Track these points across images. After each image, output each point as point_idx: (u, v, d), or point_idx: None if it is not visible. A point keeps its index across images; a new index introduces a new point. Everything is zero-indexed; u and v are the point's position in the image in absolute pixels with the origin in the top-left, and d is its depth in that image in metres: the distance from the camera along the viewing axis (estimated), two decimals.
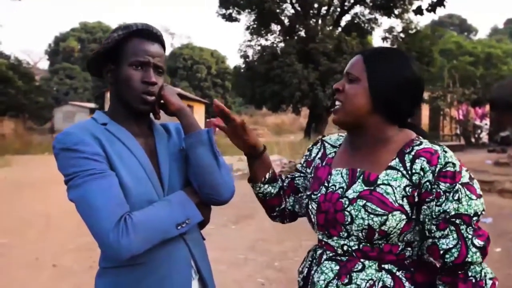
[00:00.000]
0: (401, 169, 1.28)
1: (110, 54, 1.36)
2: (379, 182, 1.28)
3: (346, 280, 1.28)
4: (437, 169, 1.24)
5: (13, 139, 22.09)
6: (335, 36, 23.73)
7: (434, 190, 1.23)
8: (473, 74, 27.03)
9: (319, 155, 1.54)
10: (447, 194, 1.22)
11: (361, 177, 1.32)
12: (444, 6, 8.61)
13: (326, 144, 1.54)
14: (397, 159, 1.30)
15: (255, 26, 26.06)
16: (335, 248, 1.33)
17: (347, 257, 1.31)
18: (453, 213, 1.21)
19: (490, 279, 1.22)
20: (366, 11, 25.88)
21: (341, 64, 20.81)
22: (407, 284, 1.26)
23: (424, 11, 8.94)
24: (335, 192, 1.34)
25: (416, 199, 1.25)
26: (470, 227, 1.21)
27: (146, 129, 1.47)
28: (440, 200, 1.22)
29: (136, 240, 1.19)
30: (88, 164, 1.23)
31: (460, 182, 1.23)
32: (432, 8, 8.72)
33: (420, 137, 1.36)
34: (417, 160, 1.26)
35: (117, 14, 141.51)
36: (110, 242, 1.17)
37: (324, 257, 1.36)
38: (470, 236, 1.21)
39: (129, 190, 1.27)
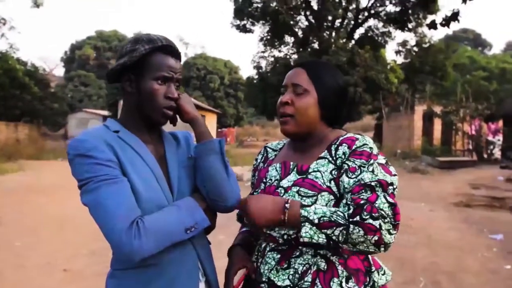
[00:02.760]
0: (328, 156, 1.44)
1: (132, 64, 1.40)
2: (310, 170, 1.42)
3: (285, 265, 1.42)
4: (353, 148, 1.38)
5: (27, 144, 22.33)
6: (349, 49, 23.75)
7: (347, 166, 1.36)
8: (486, 89, 26.79)
9: (262, 160, 1.69)
10: (362, 168, 1.34)
11: (295, 169, 1.46)
12: (458, 21, 8.58)
13: (268, 149, 1.70)
14: (326, 151, 1.46)
15: (268, 37, 26.23)
16: (277, 238, 1.43)
17: (287, 246, 1.43)
18: (367, 180, 1.31)
19: (385, 241, 1.26)
20: (380, 24, 25.94)
21: (354, 77, 20.87)
22: (340, 268, 1.38)
23: (438, 26, 8.93)
24: (271, 185, 1.49)
25: None
26: (385, 193, 1.30)
27: (157, 137, 1.52)
28: (356, 173, 1.34)
29: (148, 243, 1.24)
30: (101, 170, 1.27)
31: (376, 161, 1.35)
32: (446, 22, 8.69)
33: (348, 133, 1.50)
34: (340, 147, 1.42)
35: (133, 23, 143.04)
36: (123, 244, 1.22)
37: (268, 249, 1.49)
38: (383, 194, 1.29)
39: (140, 195, 1.32)
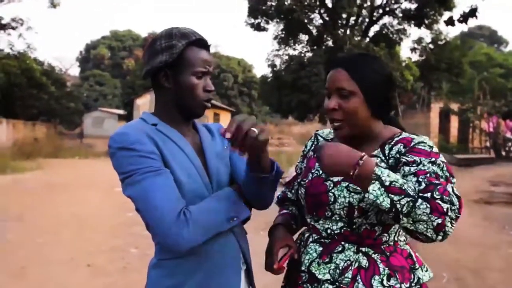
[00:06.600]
0: (380, 155, 1.42)
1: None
2: None
3: (327, 260, 1.42)
4: (410, 145, 1.36)
5: (45, 143, 22.59)
6: (363, 46, 23.56)
7: (406, 160, 1.32)
8: (503, 86, 26.49)
9: (312, 148, 1.67)
10: (423, 161, 1.28)
11: None
12: (476, 17, 8.50)
13: (319, 138, 1.68)
14: (378, 149, 1.44)
15: (283, 35, 26.11)
16: (320, 231, 1.47)
17: (329, 240, 1.45)
18: (431, 171, 1.25)
19: (446, 229, 1.17)
20: (395, 22, 25.67)
21: None
22: (381, 265, 1.37)
23: (456, 22, 8.84)
24: (320, 176, 1.48)
25: None
26: (452, 185, 1.23)
27: (192, 128, 1.55)
28: (417, 165, 1.28)
29: (196, 233, 1.26)
30: (145, 162, 1.29)
31: (439, 159, 1.30)
32: (464, 19, 8.61)
33: (403, 132, 1.48)
34: (394, 147, 1.40)
35: (146, 23, 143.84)
36: (172, 234, 1.24)
37: (310, 239, 1.51)
38: (451, 186, 1.23)
39: (182, 186, 1.34)
